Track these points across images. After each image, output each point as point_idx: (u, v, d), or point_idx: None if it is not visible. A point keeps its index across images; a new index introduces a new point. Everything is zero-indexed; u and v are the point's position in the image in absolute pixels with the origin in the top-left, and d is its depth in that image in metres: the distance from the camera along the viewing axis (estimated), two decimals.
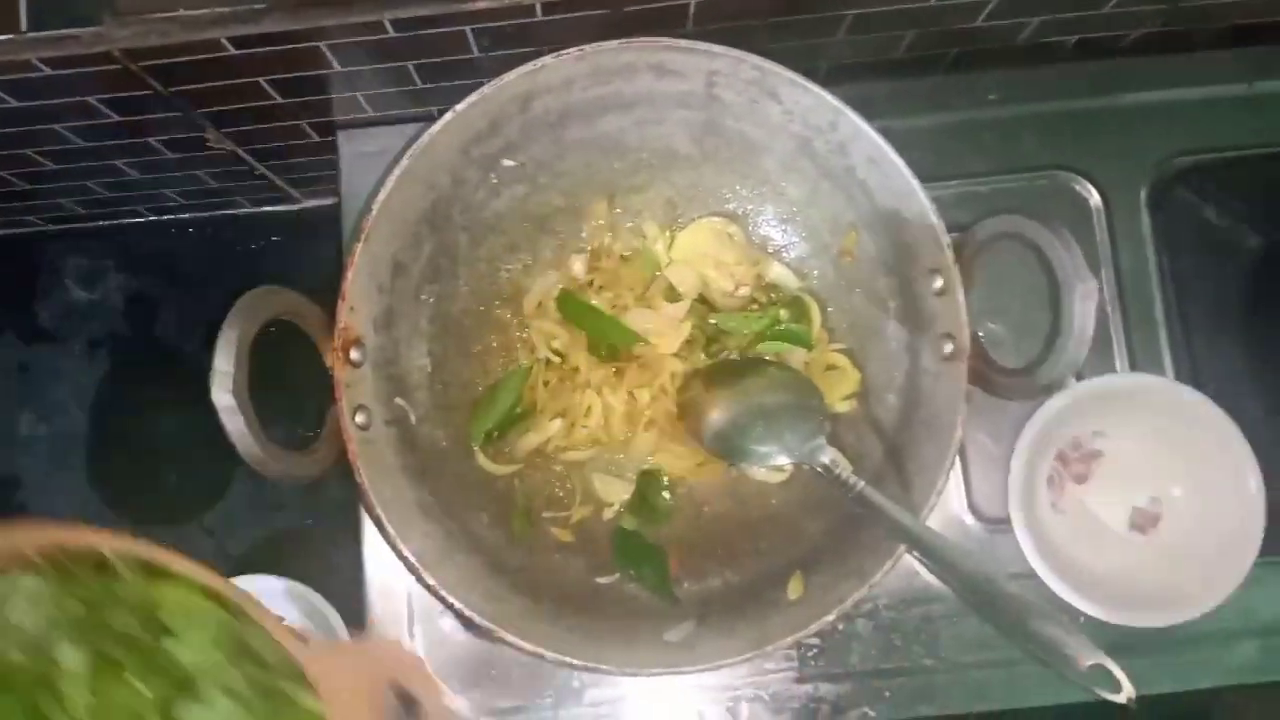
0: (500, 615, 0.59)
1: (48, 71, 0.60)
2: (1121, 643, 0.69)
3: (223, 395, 0.52)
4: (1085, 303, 0.52)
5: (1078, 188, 0.75)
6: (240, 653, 0.44)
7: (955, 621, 0.71)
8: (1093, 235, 0.75)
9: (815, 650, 0.71)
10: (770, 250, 0.71)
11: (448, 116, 0.60)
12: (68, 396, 0.95)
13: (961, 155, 0.75)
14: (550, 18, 0.61)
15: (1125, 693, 0.53)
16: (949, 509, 0.73)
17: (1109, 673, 0.54)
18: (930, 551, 0.57)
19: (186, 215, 0.95)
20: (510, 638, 0.58)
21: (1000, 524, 0.70)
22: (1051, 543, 0.70)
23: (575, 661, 0.58)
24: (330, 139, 0.76)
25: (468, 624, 0.60)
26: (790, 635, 0.59)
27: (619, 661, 0.59)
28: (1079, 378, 0.72)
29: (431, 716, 0.49)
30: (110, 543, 0.43)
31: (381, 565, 0.70)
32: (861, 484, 0.60)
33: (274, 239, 0.96)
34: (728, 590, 0.66)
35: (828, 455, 0.62)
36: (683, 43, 0.60)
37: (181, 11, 0.58)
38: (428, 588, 0.58)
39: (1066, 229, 0.55)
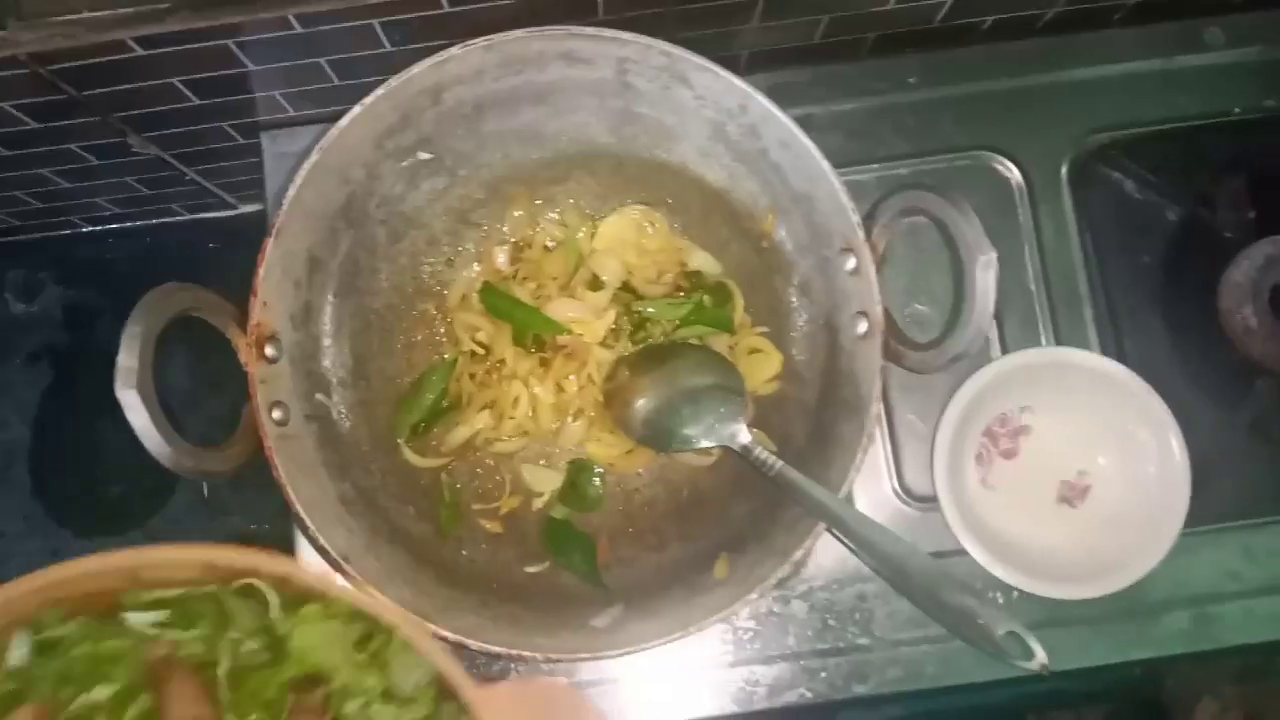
0: (423, 607, 0.59)
1: None
2: (1055, 616, 0.71)
3: (126, 392, 0.52)
4: (986, 273, 0.53)
5: (999, 167, 0.76)
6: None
7: (888, 601, 0.71)
8: (1015, 213, 0.76)
9: (751, 633, 0.71)
10: (690, 237, 0.71)
11: (355, 110, 0.60)
12: (9, 410, 0.95)
13: (884, 138, 0.76)
14: (460, 9, 0.62)
15: (1038, 660, 0.54)
16: (880, 489, 0.73)
17: (1024, 641, 0.54)
18: (845, 527, 0.57)
19: (122, 224, 0.95)
20: (432, 628, 0.58)
21: (931, 502, 0.71)
22: (981, 519, 0.70)
23: (498, 649, 0.58)
24: (254, 140, 0.76)
25: None
26: (714, 616, 0.59)
27: (544, 648, 0.59)
28: (1004, 350, 0.73)
29: None
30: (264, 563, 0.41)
31: (317, 561, 0.70)
32: (779, 464, 0.61)
33: (211, 245, 0.96)
34: (657, 574, 0.66)
35: (746, 437, 0.62)
36: (589, 30, 0.60)
37: (85, 13, 0.58)
38: (351, 580, 0.58)
39: (968, 202, 0.55)
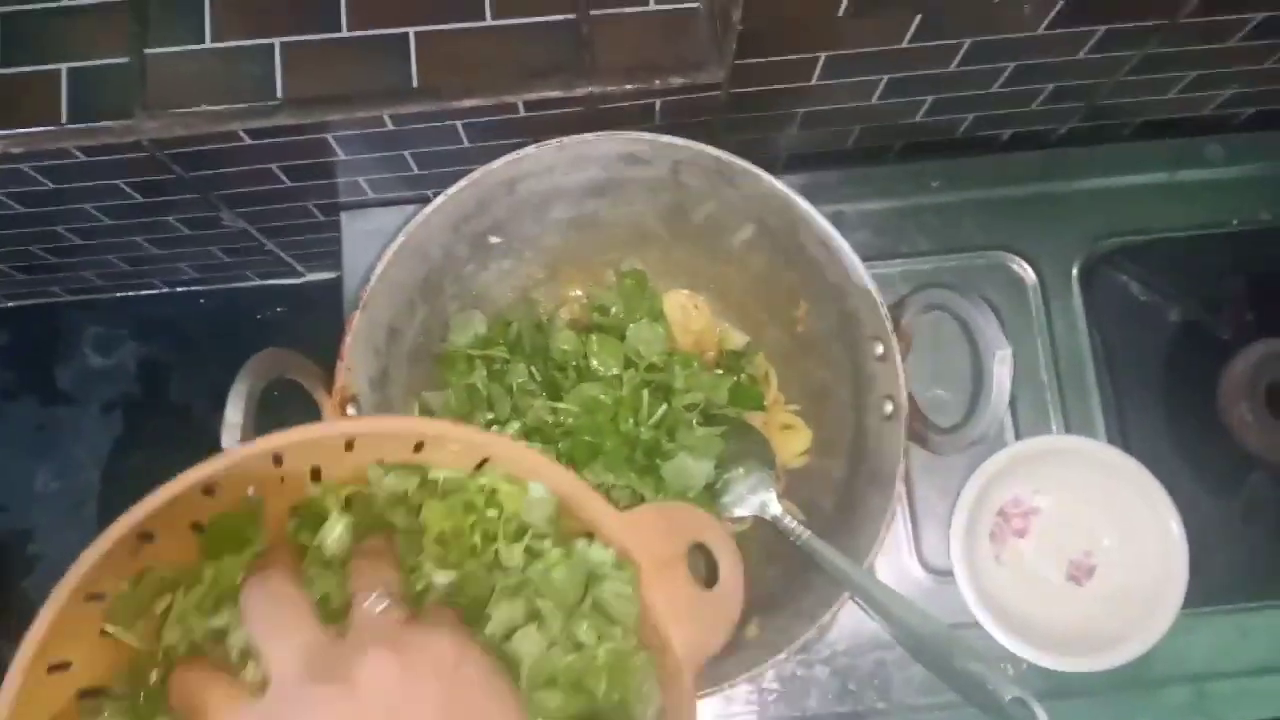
0: None
1: (82, 158, 0.68)
2: (1061, 688, 0.75)
3: (235, 446, 0.58)
4: (1001, 367, 0.59)
5: (1014, 266, 0.83)
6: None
7: (905, 667, 0.76)
8: (1029, 309, 0.82)
9: (775, 694, 0.76)
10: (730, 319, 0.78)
11: (440, 199, 0.66)
12: (83, 455, 1.01)
13: (908, 236, 0.83)
14: (531, 114, 0.69)
15: None
16: (900, 560, 0.79)
17: (1029, 707, 0.59)
18: (865, 595, 0.62)
19: (199, 287, 1.02)
20: None
21: (948, 576, 0.75)
22: (993, 593, 0.75)
23: None
24: (334, 218, 0.83)
25: None
26: (745, 674, 0.64)
27: None
28: (1018, 436, 0.79)
29: (730, 577, 0.48)
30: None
31: None
32: (807, 534, 0.66)
33: (278, 309, 1.03)
34: None
35: (777, 508, 0.68)
36: (648, 135, 0.67)
37: (204, 107, 0.65)
38: None
39: (987, 302, 0.61)
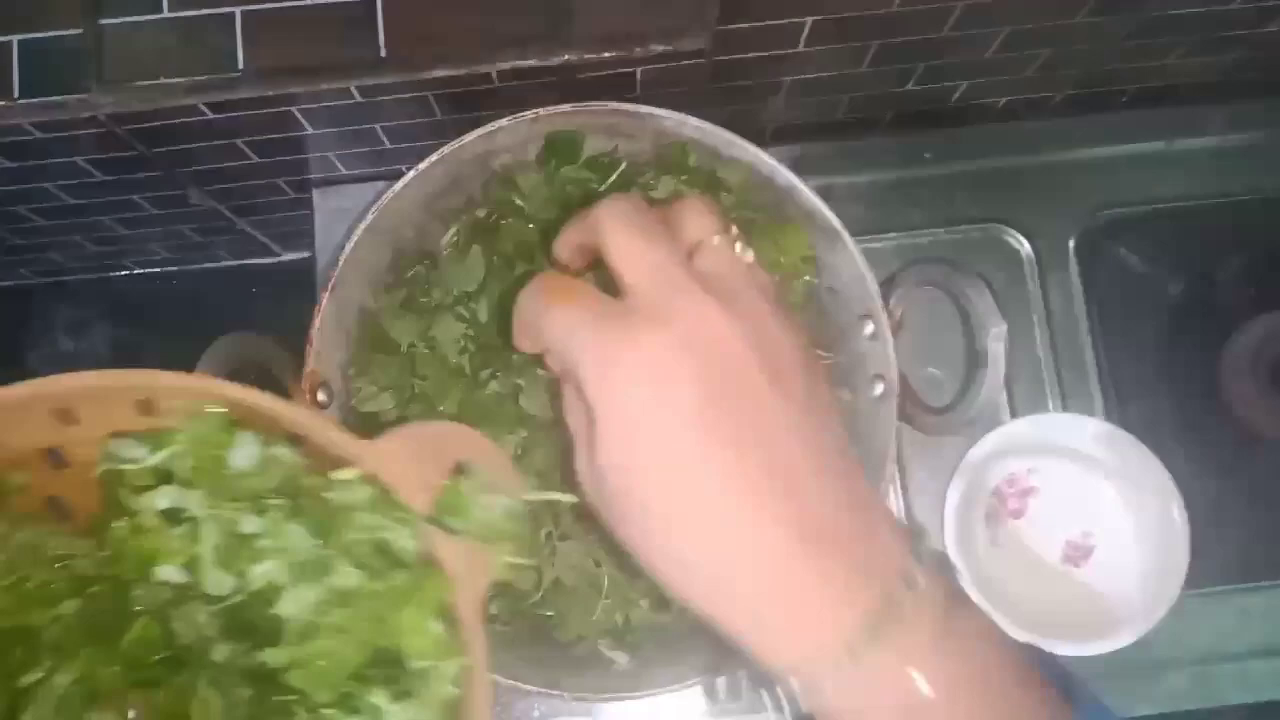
0: None
1: (38, 135, 0.65)
2: None
3: None
4: (996, 344, 0.56)
5: (1010, 240, 0.80)
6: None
7: None
8: (1025, 284, 0.79)
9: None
10: None
11: (409, 176, 0.64)
12: None
13: (900, 210, 0.80)
14: (506, 84, 0.66)
15: None
16: None
17: None
18: None
19: (171, 268, 0.99)
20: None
21: None
22: (988, 575, 0.73)
23: (527, 688, 0.61)
24: (306, 195, 0.81)
25: None
26: (741, 666, 0.62)
27: (570, 687, 0.62)
28: (1013, 414, 0.76)
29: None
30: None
31: None
32: None
33: (253, 290, 1.00)
34: (684, 624, 0.69)
35: None
36: (628, 107, 0.64)
37: (162, 79, 0.63)
38: None
39: (981, 277, 0.59)
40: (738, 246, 0.40)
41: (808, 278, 0.67)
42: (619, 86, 0.69)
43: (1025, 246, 0.80)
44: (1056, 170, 0.81)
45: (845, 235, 0.65)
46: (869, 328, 0.66)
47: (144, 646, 0.40)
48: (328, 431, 0.40)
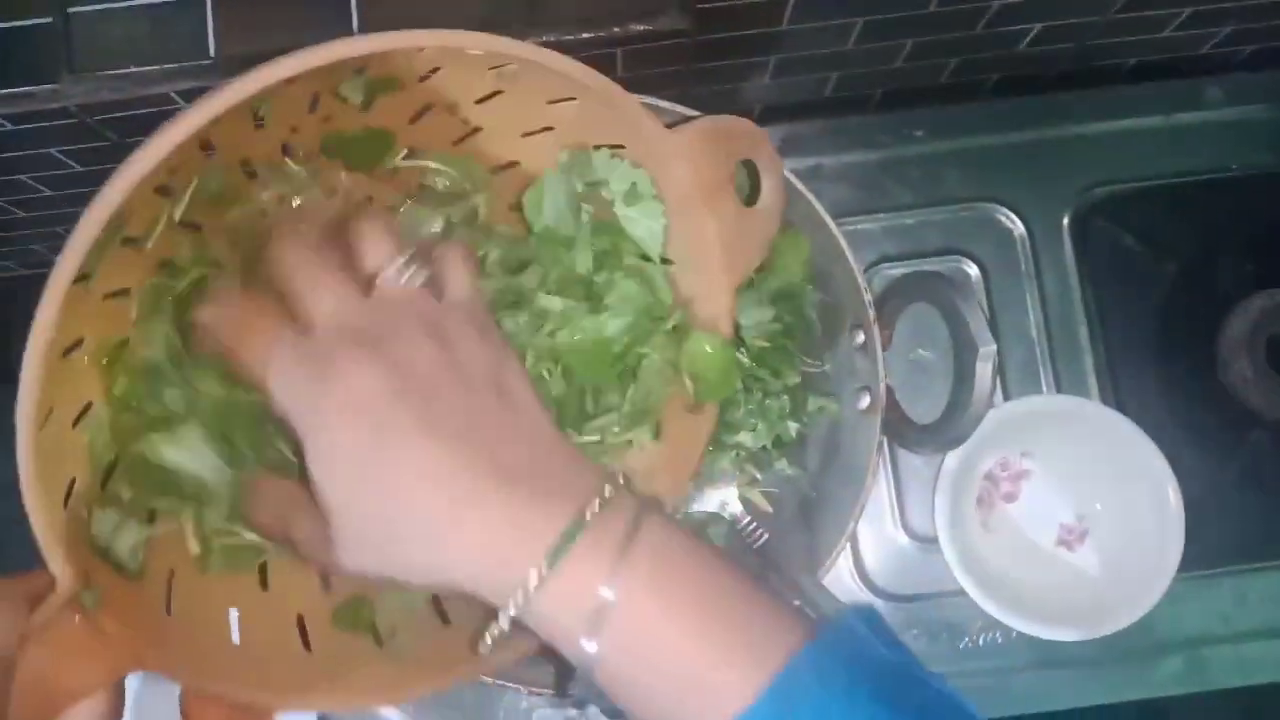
0: None
1: (9, 126, 0.64)
2: (1053, 657, 0.73)
3: None
4: (984, 364, 0.55)
5: (1002, 218, 0.79)
6: None
7: None
8: (1018, 264, 0.78)
9: None
10: None
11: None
12: None
13: (890, 190, 0.79)
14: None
15: None
16: (884, 528, 0.76)
17: None
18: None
19: None
20: None
21: (932, 542, 0.73)
22: (981, 560, 0.72)
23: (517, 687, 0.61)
24: None
25: None
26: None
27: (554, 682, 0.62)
28: (1006, 397, 0.75)
29: (772, 193, 0.50)
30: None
31: None
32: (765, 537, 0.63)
33: None
34: None
35: (738, 505, 0.65)
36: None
37: (133, 68, 0.61)
38: None
39: (974, 260, 0.58)
40: (408, 273, 0.40)
41: (810, 287, 0.66)
42: (599, 68, 0.67)
43: (1018, 225, 0.78)
44: (1050, 147, 0.79)
45: (844, 245, 0.62)
46: (859, 338, 0.64)
47: None
48: (636, 112, 0.44)
